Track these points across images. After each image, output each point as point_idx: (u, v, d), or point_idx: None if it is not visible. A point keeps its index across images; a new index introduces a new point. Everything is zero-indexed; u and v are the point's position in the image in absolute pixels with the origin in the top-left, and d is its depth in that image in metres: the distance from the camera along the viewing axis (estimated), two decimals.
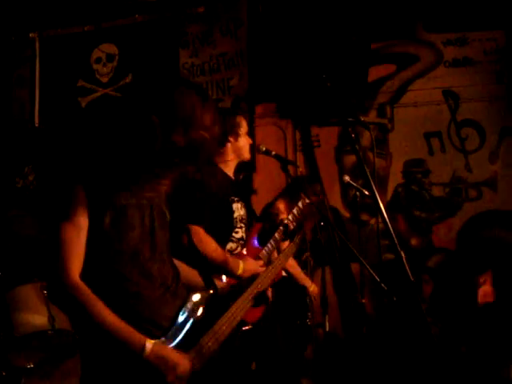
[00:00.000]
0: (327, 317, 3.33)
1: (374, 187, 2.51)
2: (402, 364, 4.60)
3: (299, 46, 5.00)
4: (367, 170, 2.42)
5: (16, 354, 3.40)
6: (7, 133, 5.66)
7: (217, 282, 2.42)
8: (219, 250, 2.92)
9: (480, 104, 5.02)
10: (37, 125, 5.71)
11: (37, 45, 5.84)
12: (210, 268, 2.75)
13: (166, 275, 2.14)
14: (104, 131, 2.11)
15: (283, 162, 3.40)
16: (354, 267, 4.95)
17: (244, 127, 3.26)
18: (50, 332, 3.38)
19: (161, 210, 2.17)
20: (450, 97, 5.10)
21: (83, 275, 1.97)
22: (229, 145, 3.22)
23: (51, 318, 3.37)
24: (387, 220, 2.47)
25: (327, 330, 3.39)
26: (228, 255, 2.95)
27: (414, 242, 5.06)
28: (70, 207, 1.96)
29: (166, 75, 2.16)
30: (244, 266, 2.91)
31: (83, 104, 5.64)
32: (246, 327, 2.92)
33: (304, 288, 4.10)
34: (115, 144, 2.05)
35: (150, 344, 1.93)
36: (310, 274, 4.38)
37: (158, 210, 2.15)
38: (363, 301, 4.15)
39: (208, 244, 2.86)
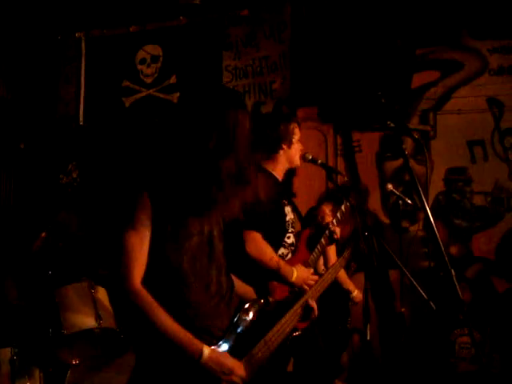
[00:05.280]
0: (369, 325, 3.33)
1: (424, 199, 2.51)
2: (437, 375, 4.59)
3: (342, 50, 5.00)
4: (418, 183, 2.44)
5: (63, 351, 3.50)
6: (52, 130, 5.78)
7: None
8: (275, 257, 2.96)
9: None
10: (81, 123, 5.81)
11: (83, 44, 5.94)
12: (263, 274, 2.78)
13: (222, 284, 2.18)
14: (170, 142, 2.15)
15: (329, 170, 3.41)
16: (392, 275, 4.95)
17: (297, 134, 3.29)
18: (96, 330, 3.46)
19: (218, 219, 2.21)
20: (495, 105, 5.04)
21: (144, 281, 2.02)
22: (281, 152, 3.25)
23: (98, 317, 3.45)
24: (436, 232, 2.48)
25: (368, 338, 3.40)
26: (282, 262, 2.99)
27: (453, 250, 5.03)
28: (135, 214, 2.00)
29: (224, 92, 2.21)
30: (297, 274, 2.95)
31: (127, 104, 5.72)
32: (296, 333, 2.96)
33: (347, 293, 4.12)
34: (178, 155, 2.09)
35: (207, 350, 1.98)
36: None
37: (216, 219, 2.20)
38: (402, 310, 4.14)
39: (264, 251, 2.90)
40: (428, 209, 2.29)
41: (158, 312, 1.97)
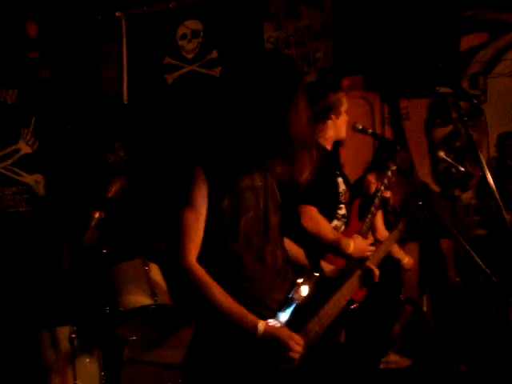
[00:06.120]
0: (425, 297, 3.30)
1: (484, 166, 2.43)
2: (493, 345, 4.50)
3: (387, 15, 4.86)
4: (480, 154, 2.35)
5: (120, 328, 3.57)
6: (97, 110, 5.83)
7: (323, 265, 2.44)
8: (332, 230, 2.95)
9: None
10: (125, 101, 5.84)
11: (123, 23, 5.92)
12: (319, 248, 2.77)
13: (278, 258, 2.17)
14: (221, 113, 2.12)
15: (380, 140, 3.35)
16: (444, 244, 4.85)
17: (345, 105, 3.24)
18: (152, 307, 3.51)
19: (274, 192, 2.19)
20: None
21: (199, 257, 2.02)
22: (330, 122, 3.20)
23: (153, 294, 3.50)
24: (498, 199, 2.40)
25: (425, 309, 3.36)
26: (339, 235, 2.97)
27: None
28: (191, 191, 2.00)
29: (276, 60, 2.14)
30: (355, 245, 2.92)
31: (169, 80, 5.71)
32: (354, 305, 2.95)
33: (398, 262, 4.06)
34: (232, 125, 2.06)
35: (262, 325, 1.97)
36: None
37: (272, 192, 2.17)
38: (457, 279, 4.07)
39: (322, 225, 2.89)
40: (489, 176, 2.21)
41: (212, 289, 1.97)
